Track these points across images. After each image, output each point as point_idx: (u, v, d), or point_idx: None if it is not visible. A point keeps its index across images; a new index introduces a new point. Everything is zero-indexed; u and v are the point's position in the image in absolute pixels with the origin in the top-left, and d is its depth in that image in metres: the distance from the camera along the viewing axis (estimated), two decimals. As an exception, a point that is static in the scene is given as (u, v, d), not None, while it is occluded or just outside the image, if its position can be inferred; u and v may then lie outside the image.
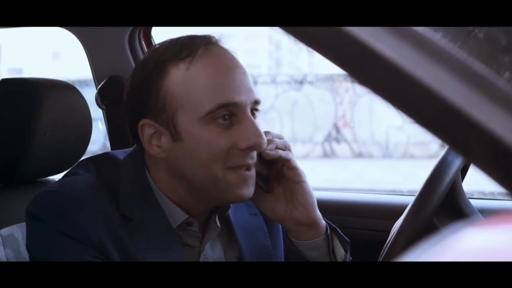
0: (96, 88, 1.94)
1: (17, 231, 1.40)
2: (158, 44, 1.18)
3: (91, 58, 1.96)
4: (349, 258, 1.22)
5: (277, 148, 1.15)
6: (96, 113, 1.81)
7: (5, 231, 1.38)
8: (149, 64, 1.14)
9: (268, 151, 1.14)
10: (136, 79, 1.15)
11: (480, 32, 0.71)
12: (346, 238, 1.23)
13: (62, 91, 1.51)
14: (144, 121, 1.12)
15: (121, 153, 1.22)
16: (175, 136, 1.10)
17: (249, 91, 1.11)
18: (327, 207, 1.83)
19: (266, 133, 1.16)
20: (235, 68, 1.12)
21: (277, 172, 1.18)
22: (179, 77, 1.10)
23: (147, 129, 1.12)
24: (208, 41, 1.13)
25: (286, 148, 1.17)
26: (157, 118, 1.11)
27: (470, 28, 0.71)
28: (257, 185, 1.17)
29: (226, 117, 1.09)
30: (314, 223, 1.19)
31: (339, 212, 1.82)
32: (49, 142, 1.45)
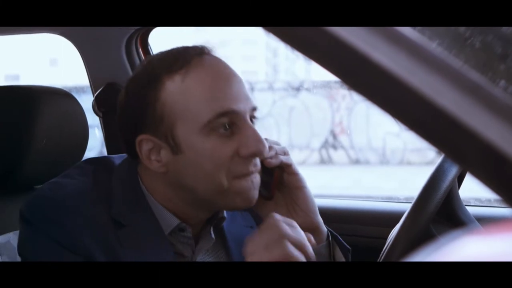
0: (93, 95, 1.93)
1: (14, 239, 1.39)
2: (150, 57, 1.17)
3: (88, 65, 1.96)
4: None
5: (277, 154, 1.16)
6: (93, 120, 1.81)
7: (2, 238, 1.38)
8: (142, 78, 1.12)
9: (269, 160, 1.14)
10: (130, 94, 1.13)
11: (475, 40, 0.71)
12: (347, 246, 1.23)
13: (59, 98, 1.51)
14: (141, 136, 1.10)
15: (117, 158, 1.21)
16: (175, 148, 1.09)
17: (247, 98, 1.11)
18: (323, 214, 1.82)
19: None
20: (231, 76, 1.11)
21: (278, 178, 1.18)
22: (176, 89, 1.08)
23: (145, 144, 1.10)
24: (201, 51, 1.12)
25: (285, 153, 1.18)
26: (155, 132, 1.09)
27: (466, 36, 0.71)
28: (258, 193, 1.17)
29: (227, 126, 1.08)
30: (315, 229, 1.19)
31: (336, 219, 1.81)
32: (46, 149, 1.44)
